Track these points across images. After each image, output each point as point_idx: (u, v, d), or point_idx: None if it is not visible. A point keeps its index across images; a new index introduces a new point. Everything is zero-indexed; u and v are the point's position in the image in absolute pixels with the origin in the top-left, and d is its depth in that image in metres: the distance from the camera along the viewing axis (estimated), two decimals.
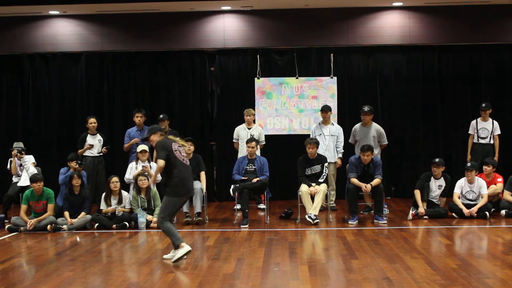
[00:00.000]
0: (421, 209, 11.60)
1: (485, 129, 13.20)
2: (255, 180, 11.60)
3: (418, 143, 14.77)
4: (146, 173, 11.70)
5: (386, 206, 11.98)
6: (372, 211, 11.86)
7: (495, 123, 13.24)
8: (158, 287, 7.20)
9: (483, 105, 13.27)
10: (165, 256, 8.71)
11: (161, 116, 13.21)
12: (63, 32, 14.69)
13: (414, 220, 11.46)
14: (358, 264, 8.10)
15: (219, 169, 14.91)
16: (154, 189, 11.69)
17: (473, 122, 13.39)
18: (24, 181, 12.22)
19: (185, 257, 8.45)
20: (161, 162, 8.48)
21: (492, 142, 13.19)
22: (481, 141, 13.22)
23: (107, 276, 7.83)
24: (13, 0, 13.51)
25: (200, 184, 11.62)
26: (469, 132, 13.46)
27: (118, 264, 8.54)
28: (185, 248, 8.47)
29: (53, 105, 15.03)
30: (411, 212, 11.60)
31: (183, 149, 8.85)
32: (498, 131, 13.22)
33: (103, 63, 15.01)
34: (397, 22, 14.42)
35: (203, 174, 11.88)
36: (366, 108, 12.61)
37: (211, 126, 15.05)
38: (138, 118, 12.82)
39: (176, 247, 8.52)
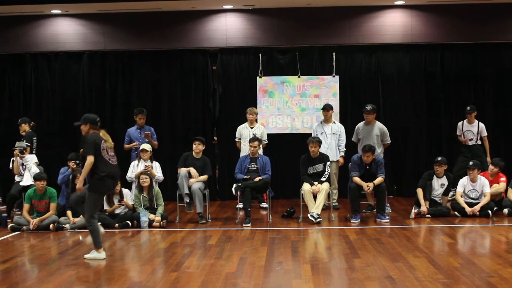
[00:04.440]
0: (424, 207, 11.59)
1: (471, 131, 13.21)
2: (257, 179, 11.59)
3: (420, 142, 14.76)
4: (148, 172, 11.69)
5: (388, 204, 11.95)
6: (375, 210, 11.85)
7: (481, 125, 13.22)
8: (161, 286, 7.20)
9: (468, 108, 13.25)
10: (86, 256, 8.76)
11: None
12: (65, 31, 14.70)
13: (417, 219, 11.45)
14: (360, 263, 8.09)
15: (221, 168, 14.91)
16: (156, 188, 11.69)
17: (460, 123, 13.38)
18: (26, 180, 12.23)
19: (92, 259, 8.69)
20: (91, 159, 8.54)
21: (479, 142, 13.20)
22: (467, 142, 13.24)
23: (110, 275, 7.83)
24: None
25: (198, 184, 11.57)
26: (457, 133, 13.45)
27: (121, 263, 8.53)
28: (101, 254, 8.69)
29: (55, 104, 15.04)
30: (413, 210, 11.59)
31: (111, 149, 8.88)
32: (484, 133, 13.21)
33: (105, 62, 15.02)
34: (399, 20, 14.40)
35: (204, 177, 11.69)
36: (369, 107, 12.60)
37: (213, 125, 15.05)
38: (140, 119, 12.82)
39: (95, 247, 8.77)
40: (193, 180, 11.54)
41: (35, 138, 13.11)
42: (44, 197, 11.20)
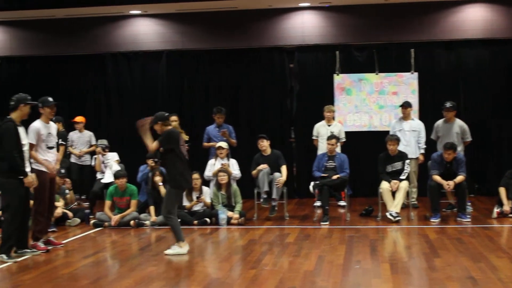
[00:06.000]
0: (506, 207, 11.30)
1: None
2: (335, 177, 11.53)
3: (502, 139, 14.41)
4: (225, 169, 11.76)
5: (469, 204, 11.70)
6: (455, 209, 11.62)
7: None
8: (239, 283, 7.24)
9: None
10: (166, 252, 8.86)
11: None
12: (144, 31, 14.99)
13: (499, 218, 11.18)
14: (441, 263, 7.95)
15: (299, 166, 14.89)
16: (234, 185, 11.76)
17: None
18: (108, 178, 12.49)
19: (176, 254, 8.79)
20: (156, 145, 8.74)
21: None
22: None
23: (189, 272, 7.94)
24: (95, 1, 13.85)
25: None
26: None
27: (200, 260, 8.64)
28: (183, 249, 8.79)
29: (135, 103, 15.32)
30: (495, 210, 11.33)
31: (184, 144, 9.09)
32: None
33: (183, 61, 15.23)
34: (480, 15, 14.11)
35: (284, 168, 11.78)
36: (448, 104, 12.36)
37: (290, 123, 15.07)
38: (218, 118, 12.91)
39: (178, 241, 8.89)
40: (280, 177, 11.57)
41: (68, 137, 13.47)
42: (125, 194, 11.44)
